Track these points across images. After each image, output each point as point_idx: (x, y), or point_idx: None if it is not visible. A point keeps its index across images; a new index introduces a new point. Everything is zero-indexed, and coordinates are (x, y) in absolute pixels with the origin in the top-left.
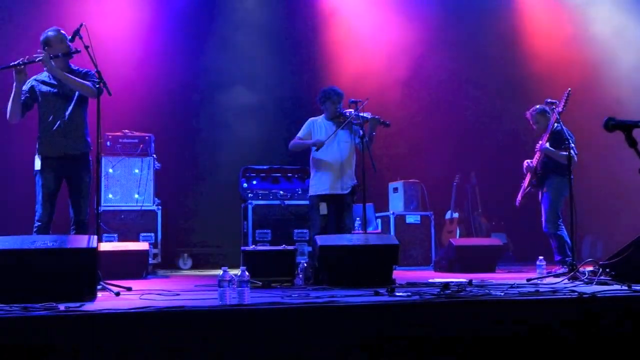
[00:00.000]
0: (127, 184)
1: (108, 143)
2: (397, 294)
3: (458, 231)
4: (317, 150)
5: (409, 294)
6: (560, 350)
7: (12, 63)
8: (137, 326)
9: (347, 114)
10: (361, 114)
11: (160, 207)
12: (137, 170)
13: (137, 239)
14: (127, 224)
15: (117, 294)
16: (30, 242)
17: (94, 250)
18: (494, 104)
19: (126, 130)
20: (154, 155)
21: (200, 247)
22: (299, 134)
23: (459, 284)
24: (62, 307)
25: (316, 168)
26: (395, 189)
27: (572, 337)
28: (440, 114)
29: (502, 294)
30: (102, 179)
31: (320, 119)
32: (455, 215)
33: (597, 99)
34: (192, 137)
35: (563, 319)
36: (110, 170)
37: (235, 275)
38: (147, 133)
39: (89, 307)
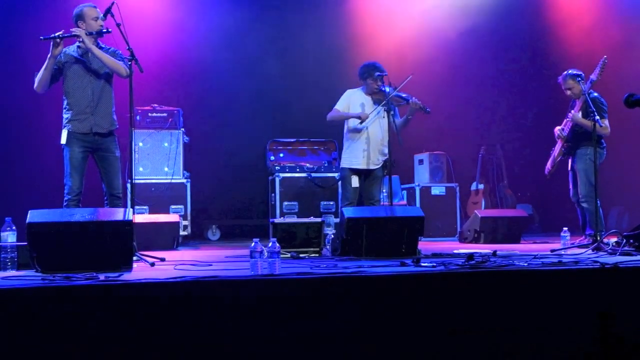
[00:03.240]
0: (156, 157)
1: (138, 117)
2: (423, 264)
3: (483, 202)
4: (361, 124)
5: (434, 264)
6: (582, 320)
7: (53, 35)
8: (173, 295)
9: (387, 92)
10: (401, 94)
11: (189, 179)
12: (166, 144)
13: (167, 211)
14: (158, 197)
15: (152, 264)
16: (69, 215)
17: (130, 222)
18: (519, 75)
19: (155, 105)
20: (183, 129)
21: (229, 218)
22: (337, 106)
23: (483, 255)
24: (102, 276)
25: (350, 141)
26: (421, 161)
27: (594, 306)
28: (466, 85)
29: (526, 264)
30: (134, 153)
31: (358, 91)
32: (481, 186)
33: (632, 67)
34: (219, 111)
35: (585, 289)
36: (140, 144)
37: (266, 246)
38: (176, 107)
39: (128, 277)
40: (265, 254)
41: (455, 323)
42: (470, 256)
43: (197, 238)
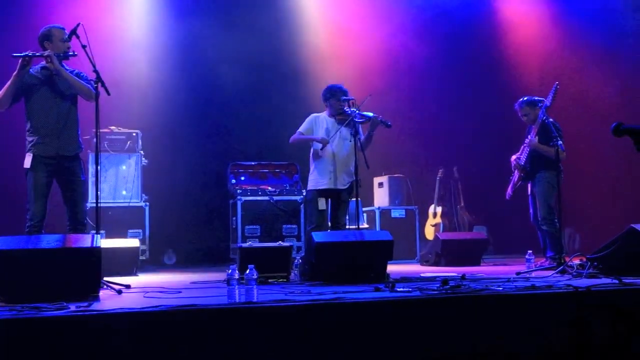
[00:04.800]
0: (114, 180)
1: (95, 140)
2: (398, 289)
3: (442, 225)
4: (322, 149)
5: (410, 289)
6: (558, 340)
7: (24, 53)
8: (152, 324)
9: (350, 112)
10: (364, 113)
11: (147, 203)
12: (124, 167)
13: (125, 235)
14: (115, 221)
15: (119, 292)
16: (35, 242)
17: (99, 249)
18: (476, 99)
19: (113, 127)
20: (141, 152)
21: (185, 242)
22: (301, 129)
23: (454, 279)
24: (73, 306)
25: (316, 163)
26: (381, 184)
27: (570, 330)
28: (424, 110)
29: (501, 288)
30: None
31: (322, 115)
32: (439, 209)
33: (579, 92)
34: (179, 133)
35: (560, 313)
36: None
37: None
38: (134, 129)
39: (99, 306)
40: (244, 280)
41: (436, 348)
42: (445, 281)
43: (152, 262)
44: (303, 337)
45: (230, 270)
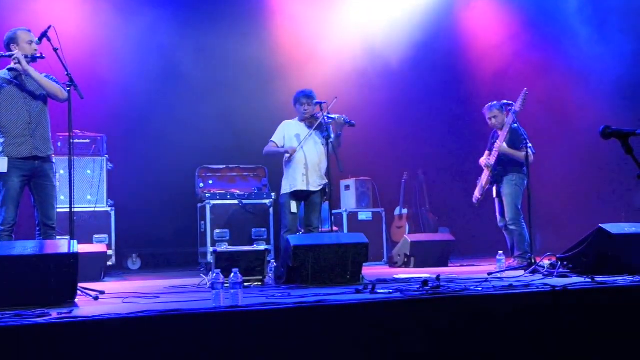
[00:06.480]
0: (79, 185)
1: (59, 144)
2: (379, 291)
3: (407, 227)
4: (288, 158)
5: (390, 290)
6: (537, 339)
7: None
8: (138, 330)
9: (319, 115)
10: (331, 116)
11: (114, 208)
12: (89, 171)
13: (90, 241)
14: (80, 226)
15: (96, 298)
16: (9, 249)
17: (76, 255)
18: (440, 104)
19: (77, 131)
20: (107, 156)
21: (150, 247)
22: (273, 138)
23: (430, 280)
24: (53, 313)
25: (288, 166)
26: (347, 187)
27: (548, 326)
28: (389, 113)
29: (480, 288)
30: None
31: (293, 121)
32: (404, 211)
33: (542, 97)
34: (145, 137)
35: (539, 311)
36: (62, 172)
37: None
38: (99, 133)
39: (80, 312)
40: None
41: (421, 348)
42: (425, 282)
43: (117, 268)
44: (289, 340)
45: (214, 275)
